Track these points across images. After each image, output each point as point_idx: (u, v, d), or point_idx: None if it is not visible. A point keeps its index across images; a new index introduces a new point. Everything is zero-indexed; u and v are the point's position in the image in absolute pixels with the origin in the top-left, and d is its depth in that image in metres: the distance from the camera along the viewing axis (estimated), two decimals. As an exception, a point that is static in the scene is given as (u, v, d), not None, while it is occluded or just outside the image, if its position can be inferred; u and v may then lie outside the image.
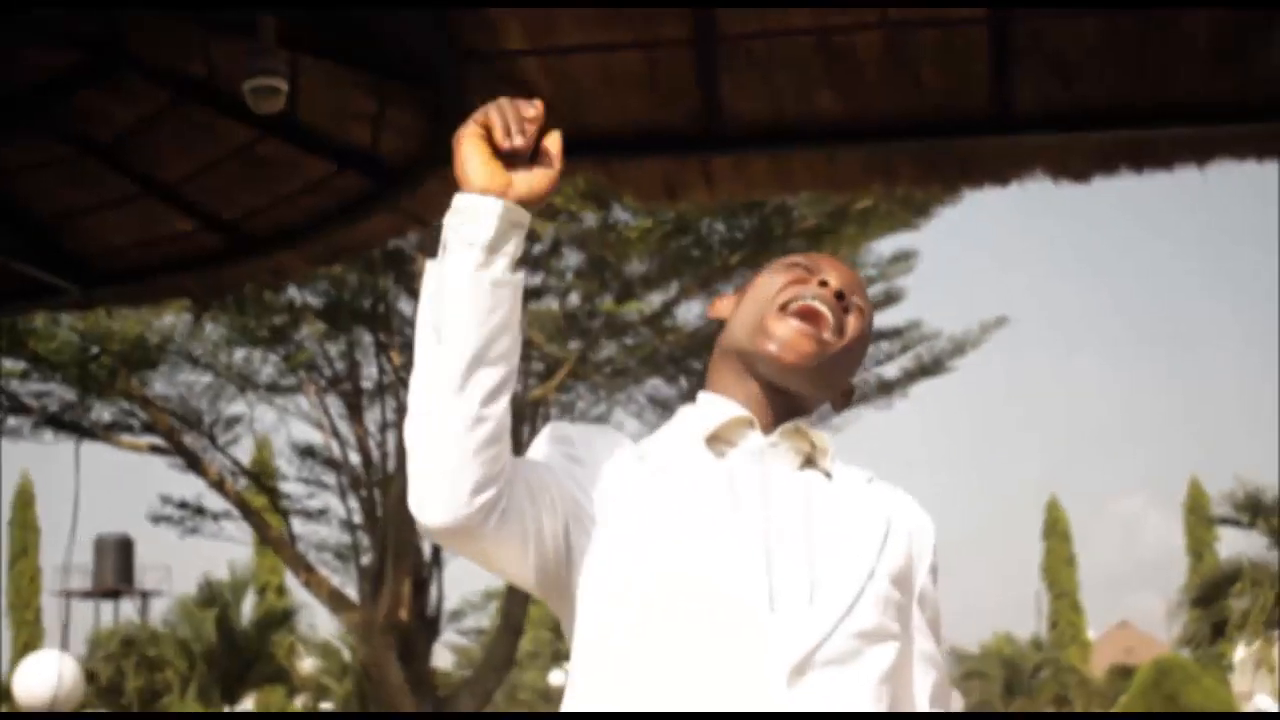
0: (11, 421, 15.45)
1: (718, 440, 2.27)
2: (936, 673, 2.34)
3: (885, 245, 16.43)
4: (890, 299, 17.14)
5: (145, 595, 60.59)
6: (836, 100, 5.92)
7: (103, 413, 16.10)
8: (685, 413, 2.37)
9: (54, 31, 6.09)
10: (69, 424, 15.70)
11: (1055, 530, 61.14)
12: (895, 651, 2.20)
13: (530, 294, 16.10)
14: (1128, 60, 5.65)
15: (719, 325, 2.41)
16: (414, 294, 15.60)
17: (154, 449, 16.26)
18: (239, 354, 16.11)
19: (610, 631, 2.14)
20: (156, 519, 17.41)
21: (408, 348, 16.15)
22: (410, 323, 16.12)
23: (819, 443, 2.31)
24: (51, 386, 15.48)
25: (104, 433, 16.00)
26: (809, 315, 2.26)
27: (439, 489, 2.01)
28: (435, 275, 2.07)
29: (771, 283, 2.32)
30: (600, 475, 2.19)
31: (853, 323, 2.30)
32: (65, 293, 7.79)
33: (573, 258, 15.48)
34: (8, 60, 6.29)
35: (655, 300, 15.48)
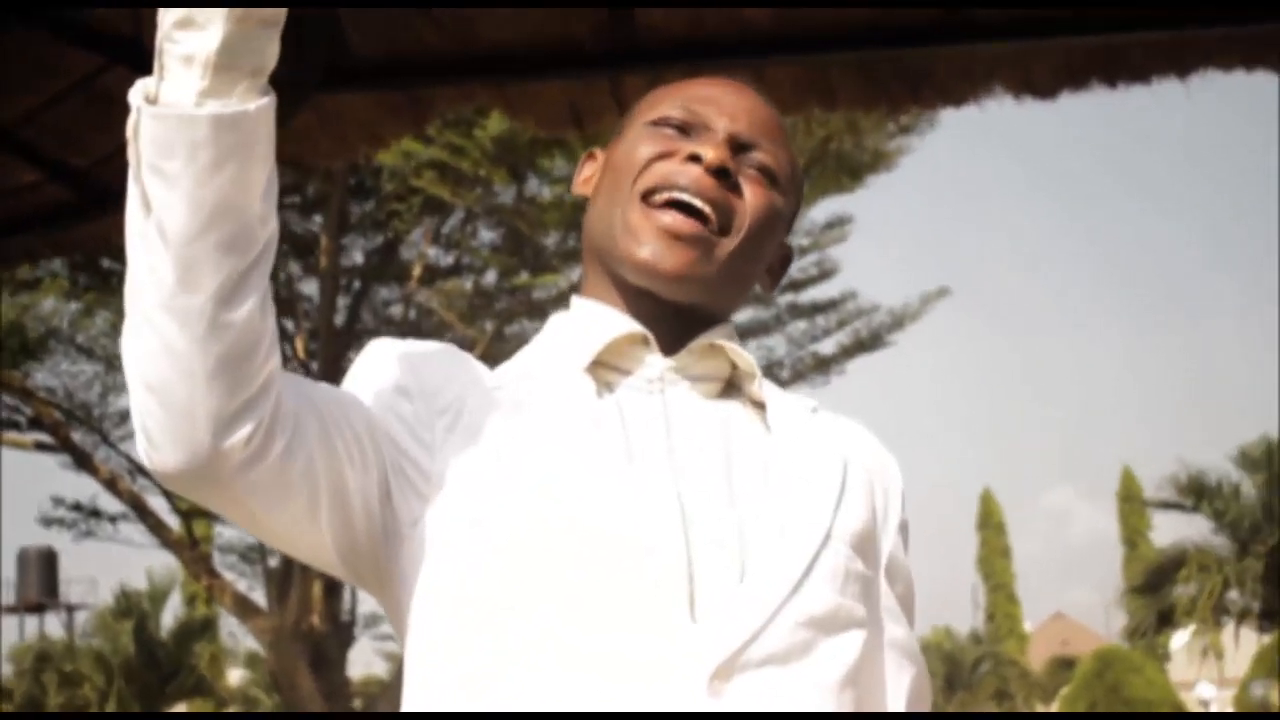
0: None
1: (604, 366, 1.66)
2: (914, 667, 1.69)
3: (818, 211, 15.86)
4: (825, 273, 16.54)
5: (71, 609, 59.83)
6: (765, 8, 5.17)
7: (-17, 409, 15.20)
8: (558, 326, 1.72)
9: None
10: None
11: (990, 522, 61.36)
12: (860, 642, 1.58)
13: (444, 272, 15.40)
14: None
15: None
16: (318, 276, 15.03)
17: (40, 446, 15.35)
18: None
19: (465, 628, 1.52)
20: (48, 522, 16.60)
21: (315, 335, 15.48)
22: (315, 306, 15.50)
23: (742, 363, 1.66)
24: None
25: (-16, 430, 15.11)
26: (681, 209, 1.65)
27: (168, 423, 1.41)
28: (139, 107, 1.36)
29: (633, 152, 1.70)
30: (439, 412, 1.57)
31: (749, 201, 1.67)
32: (-100, 259, 6.98)
33: (487, 235, 14.86)
34: None
35: (575, 274, 14.78)
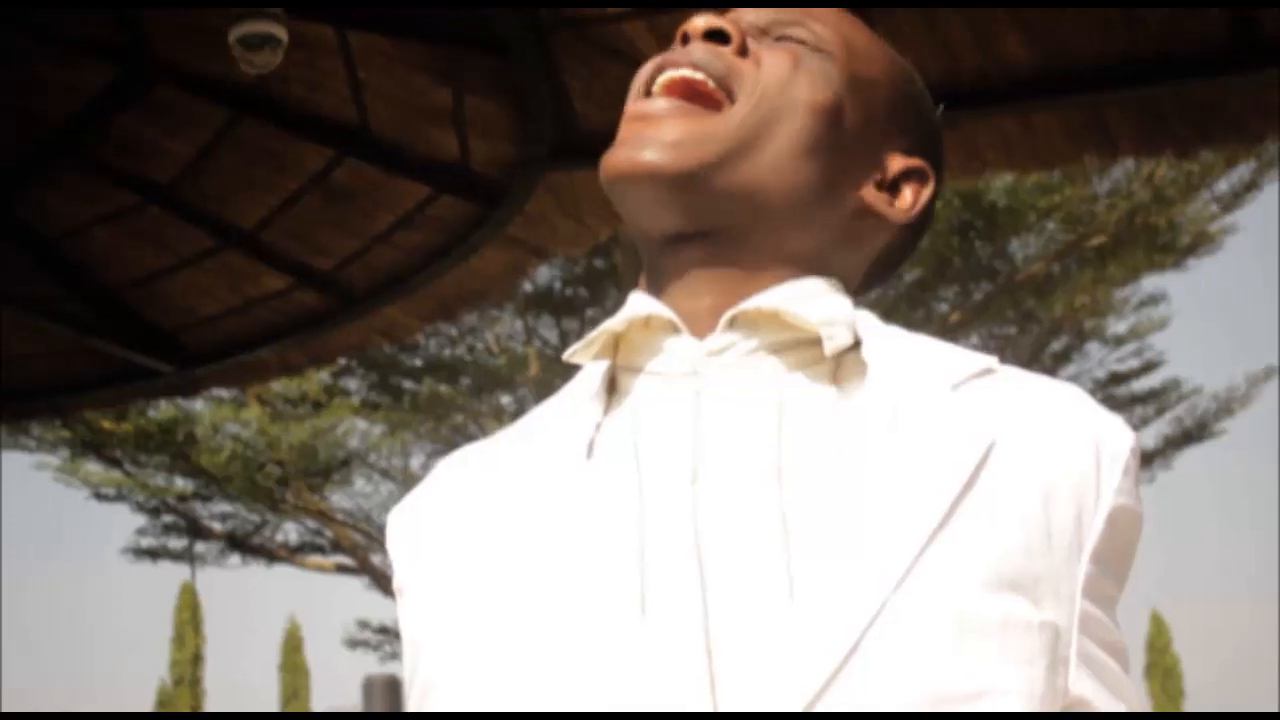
0: (199, 547, 14.84)
1: (629, 370, 1.16)
2: None
3: (1129, 290, 14.84)
4: (1148, 365, 15.46)
5: (415, 737, 62.07)
6: (1027, 45, 4.67)
7: (290, 533, 15.30)
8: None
9: (65, 39, 5.18)
10: (254, 547, 14.96)
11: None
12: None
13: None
14: None
15: None
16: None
17: (341, 569, 15.34)
18: (416, 460, 15.08)
19: None
20: (353, 644, 16.57)
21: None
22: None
23: (816, 316, 1.11)
24: (237, 508, 14.76)
25: (289, 554, 15.16)
26: (671, 90, 1.16)
27: None
28: None
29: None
30: (429, 587, 1.15)
31: (768, 62, 1.16)
32: (158, 374, 6.88)
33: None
34: (33, 89, 5.39)
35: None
